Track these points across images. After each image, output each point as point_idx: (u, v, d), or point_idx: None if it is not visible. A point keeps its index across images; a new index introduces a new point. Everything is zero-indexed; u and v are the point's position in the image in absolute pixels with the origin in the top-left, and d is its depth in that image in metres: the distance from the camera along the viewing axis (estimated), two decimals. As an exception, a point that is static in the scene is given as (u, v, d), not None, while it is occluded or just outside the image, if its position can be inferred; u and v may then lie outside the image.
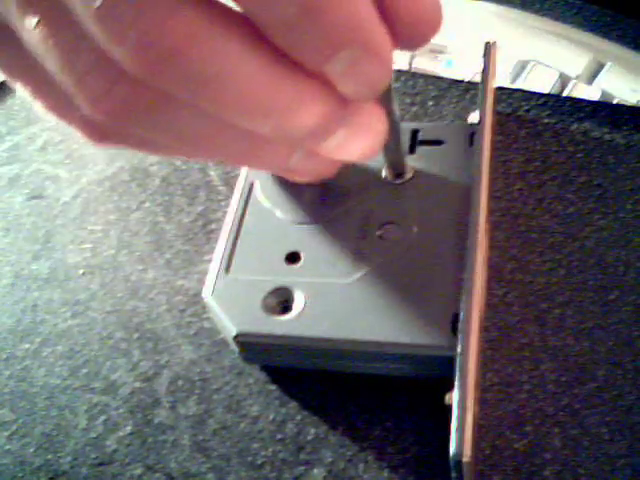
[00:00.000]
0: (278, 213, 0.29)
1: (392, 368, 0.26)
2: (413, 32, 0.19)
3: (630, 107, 0.34)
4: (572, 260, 0.30)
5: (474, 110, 0.35)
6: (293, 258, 0.28)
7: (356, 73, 0.18)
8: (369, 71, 0.18)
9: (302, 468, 0.26)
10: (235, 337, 0.26)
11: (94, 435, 0.28)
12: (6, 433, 0.29)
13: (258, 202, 0.30)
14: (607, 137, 0.33)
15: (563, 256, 0.30)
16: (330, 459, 0.26)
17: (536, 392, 0.26)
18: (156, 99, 0.19)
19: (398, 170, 0.29)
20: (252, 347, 0.27)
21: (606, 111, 0.34)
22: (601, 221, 0.31)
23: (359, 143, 0.21)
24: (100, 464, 0.28)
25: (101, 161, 0.38)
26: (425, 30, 0.19)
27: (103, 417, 0.29)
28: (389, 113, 0.26)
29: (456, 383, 0.23)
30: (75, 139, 0.39)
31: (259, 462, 0.27)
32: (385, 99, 0.25)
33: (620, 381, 0.26)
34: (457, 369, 0.23)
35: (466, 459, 0.21)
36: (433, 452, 0.26)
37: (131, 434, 0.28)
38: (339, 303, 0.26)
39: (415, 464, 0.26)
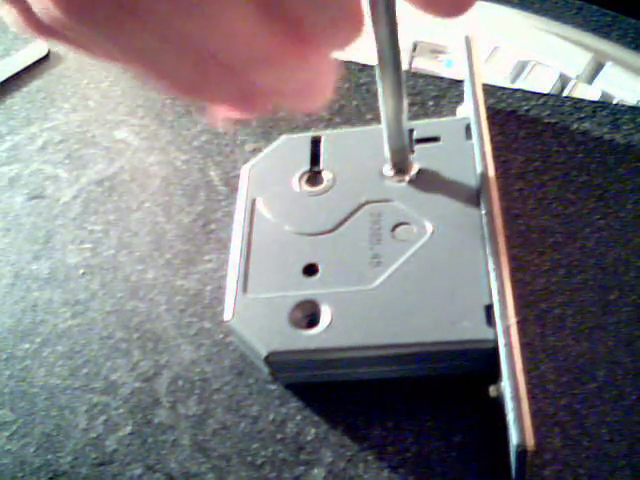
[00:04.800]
0: (287, 226, 0.29)
1: (429, 368, 0.26)
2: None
3: (630, 107, 0.34)
4: (572, 260, 0.30)
5: (461, 103, 0.35)
6: (311, 270, 0.28)
7: (334, 29, 0.19)
8: (345, 28, 0.19)
9: (302, 468, 0.26)
10: (266, 357, 0.26)
11: (94, 435, 0.28)
12: (6, 433, 0.29)
13: (264, 217, 0.30)
14: (607, 137, 0.33)
15: (563, 256, 0.30)
16: (330, 459, 0.26)
17: (536, 392, 0.26)
18: (126, 7, 0.18)
19: (402, 166, 0.29)
20: (284, 365, 0.27)
21: (606, 111, 0.34)
22: (601, 221, 0.31)
23: (313, 92, 0.22)
24: (100, 464, 0.28)
25: (101, 161, 0.38)
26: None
27: (103, 417, 0.29)
28: (399, 109, 0.26)
29: (504, 374, 0.23)
30: (75, 139, 0.39)
31: (259, 462, 0.27)
32: (395, 95, 0.25)
33: (620, 381, 0.27)
34: (504, 360, 0.23)
35: (530, 448, 0.21)
36: (432, 452, 0.26)
37: (131, 434, 0.28)
38: (367, 310, 0.26)
39: (415, 464, 0.26)
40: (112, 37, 0.19)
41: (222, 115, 0.24)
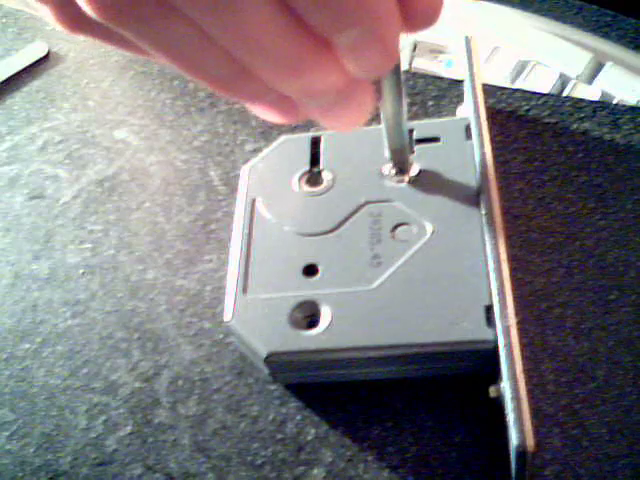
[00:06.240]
0: (286, 227, 0.29)
1: (429, 369, 0.26)
2: (423, 16, 0.19)
3: (630, 107, 0.34)
4: (572, 260, 0.30)
5: (461, 104, 0.35)
6: (310, 271, 0.28)
7: (359, 52, 0.18)
8: (371, 54, 0.18)
9: (302, 468, 0.26)
10: (266, 358, 0.26)
11: (94, 435, 0.28)
12: (6, 433, 0.29)
13: (263, 218, 0.30)
14: (607, 137, 0.33)
15: (563, 256, 0.30)
16: (330, 459, 0.26)
17: (536, 392, 0.26)
18: (157, 8, 0.18)
19: (402, 166, 0.29)
20: (284, 366, 0.27)
21: (606, 111, 0.34)
22: (601, 221, 0.31)
23: (341, 114, 0.22)
24: (100, 464, 0.28)
25: (101, 161, 0.38)
26: (432, 14, 0.20)
27: (103, 417, 0.29)
28: (398, 111, 0.26)
29: (504, 374, 0.23)
30: (75, 139, 0.39)
31: (259, 462, 0.27)
32: (395, 96, 0.25)
33: (620, 381, 0.27)
34: (504, 360, 0.23)
35: (530, 449, 0.21)
36: (432, 451, 0.26)
37: (131, 434, 0.28)
38: (367, 310, 0.26)
39: (414, 464, 0.26)
40: (142, 34, 0.19)
41: (260, 114, 0.24)
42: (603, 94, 0.37)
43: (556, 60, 0.38)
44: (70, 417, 0.29)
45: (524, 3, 0.41)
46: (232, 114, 0.38)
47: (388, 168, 0.30)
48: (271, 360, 0.26)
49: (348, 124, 0.22)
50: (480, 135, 0.29)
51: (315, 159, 0.31)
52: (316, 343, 0.26)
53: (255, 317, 0.27)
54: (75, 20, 0.21)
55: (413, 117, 0.36)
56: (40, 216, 0.36)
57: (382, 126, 0.28)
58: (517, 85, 0.38)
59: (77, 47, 0.44)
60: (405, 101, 0.26)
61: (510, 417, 0.22)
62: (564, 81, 0.38)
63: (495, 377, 0.24)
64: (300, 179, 0.31)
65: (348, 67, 0.20)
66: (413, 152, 0.30)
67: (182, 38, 0.19)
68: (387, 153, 0.29)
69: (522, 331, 0.27)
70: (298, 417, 0.28)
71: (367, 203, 0.29)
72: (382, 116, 0.27)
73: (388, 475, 0.26)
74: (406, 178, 0.29)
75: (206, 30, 0.19)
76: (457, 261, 0.27)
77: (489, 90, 0.35)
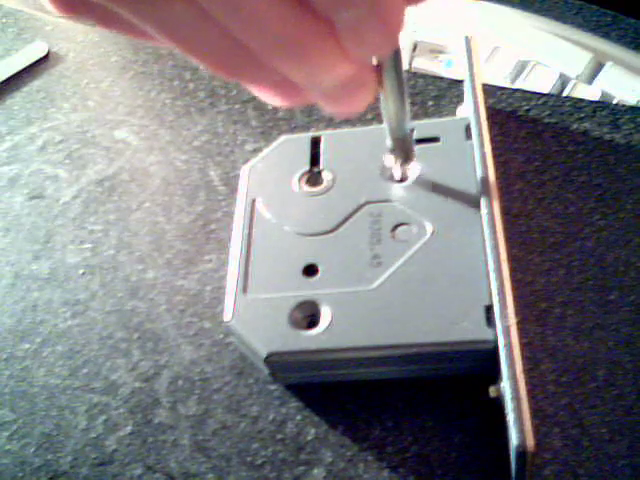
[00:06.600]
0: (286, 227, 0.29)
1: (429, 369, 0.26)
2: None
3: (630, 107, 0.34)
4: (572, 260, 0.30)
5: (461, 104, 0.35)
6: (310, 271, 0.28)
7: (360, 31, 0.18)
8: (372, 33, 0.18)
9: (302, 468, 0.26)
10: (266, 358, 0.26)
11: (94, 435, 0.28)
12: (6, 433, 0.29)
13: (263, 218, 0.30)
14: (607, 137, 0.33)
15: (563, 256, 0.30)
16: (330, 459, 0.26)
17: (536, 392, 0.26)
18: None
19: (405, 156, 0.29)
20: (284, 366, 0.27)
21: (606, 111, 0.34)
22: (601, 221, 0.31)
23: (344, 99, 0.22)
24: (100, 464, 0.28)
25: (101, 161, 0.38)
26: None
27: (103, 417, 0.29)
28: (399, 98, 0.26)
29: (504, 374, 0.23)
30: (75, 139, 0.39)
31: (259, 462, 0.27)
32: (395, 82, 0.25)
33: (620, 381, 0.27)
34: (504, 360, 0.23)
35: (530, 449, 0.21)
36: (432, 451, 0.26)
37: (131, 434, 0.28)
38: (367, 310, 0.26)
39: (415, 463, 0.26)
40: (141, 13, 0.19)
41: (262, 97, 0.24)
42: (603, 94, 0.37)
43: (556, 60, 0.38)
44: (70, 417, 0.29)
45: (524, 3, 0.41)
46: (232, 114, 0.38)
47: (391, 159, 0.29)
48: (271, 360, 0.26)
49: (350, 109, 0.22)
50: (480, 135, 0.29)
51: (315, 159, 0.31)
52: (316, 343, 0.26)
53: (255, 317, 0.27)
54: (71, 1, 0.21)
55: (413, 117, 0.35)
56: (40, 216, 0.36)
57: (383, 115, 0.27)
58: (517, 85, 0.38)
59: (77, 47, 0.44)
60: (406, 88, 0.26)
61: (510, 417, 0.22)
62: (564, 81, 0.38)
63: (495, 377, 0.24)
64: (300, 179, 0.31)
65: (349, 47, 0.19)
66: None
67: (182, 18, 0.19)
68: (389, 143, 0.29)
69: (522, 331, 0.27)
70: (298, 417, 0.28)
71: (367, 203, 0.29)
72: (383, 104, 0.26)
73: (388, 475, 0.26)
74: (407, 173, 0.29)
75: (207, 9, 0.18)
76: (457, 261, 0.27)
77: (489, 90, 0.35)
